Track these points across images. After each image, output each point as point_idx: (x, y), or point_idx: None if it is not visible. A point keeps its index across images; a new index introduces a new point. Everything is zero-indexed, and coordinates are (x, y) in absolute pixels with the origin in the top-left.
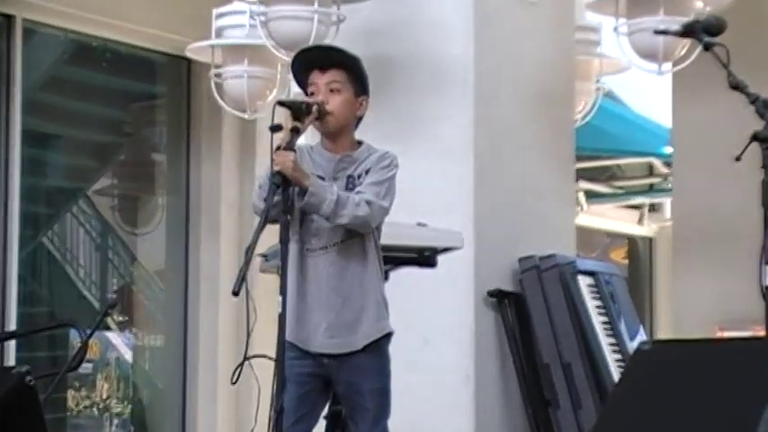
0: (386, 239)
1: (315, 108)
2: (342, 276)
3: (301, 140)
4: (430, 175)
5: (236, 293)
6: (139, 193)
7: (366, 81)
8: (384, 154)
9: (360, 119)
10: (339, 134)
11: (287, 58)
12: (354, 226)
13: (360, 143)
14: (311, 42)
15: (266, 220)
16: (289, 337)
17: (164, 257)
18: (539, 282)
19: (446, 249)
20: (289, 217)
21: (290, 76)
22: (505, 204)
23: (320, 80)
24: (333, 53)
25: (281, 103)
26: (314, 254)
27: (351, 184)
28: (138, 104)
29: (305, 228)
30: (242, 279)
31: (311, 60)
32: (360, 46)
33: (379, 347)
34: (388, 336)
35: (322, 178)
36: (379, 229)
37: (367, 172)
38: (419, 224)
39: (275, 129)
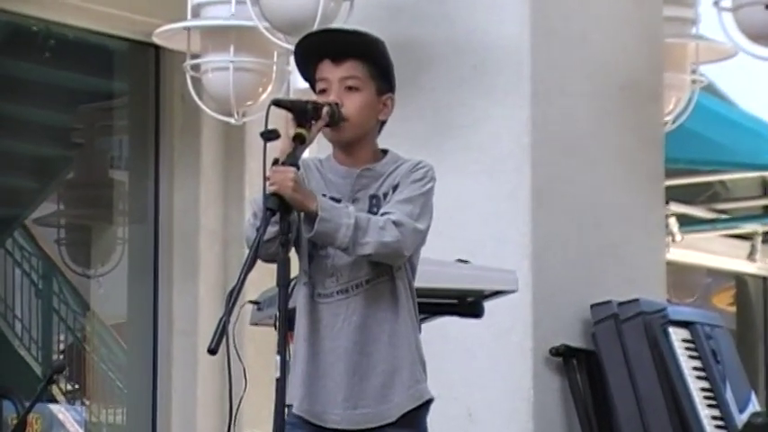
0: (418, 282)
1: (326, 110)
2: (367, 328)
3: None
4: (473, 196)
5: (212, 351)
6: (93, 221)
7: (392, 74)
8: (417, 164)
9: (383, 123)
10: (357, 144)
11: (285, 44)
12: (382, 257)
13: (384, 153)
14: (317, 24)
15: (256, 255)
16: (298, 409)
17: (125, 306)
18: (618, 336)
19: (495, 294)
20: (289, 252)
21: (291, 67)
22: (573, 234)
23: (333, 74)
24: (350, 38)
25: (277, 104)
26: (329, 300)
27: (375, 207)
28: (92, 106)
29: (316, 266)
30: (221, 332)
31: (321, 48)
32: (380, 28)
33: (416, 420)
34: (428, 404)
35: (338, 201)
36: (413, 264)
37: (395, 188)
38: (459, 261)
39: (269, 136)
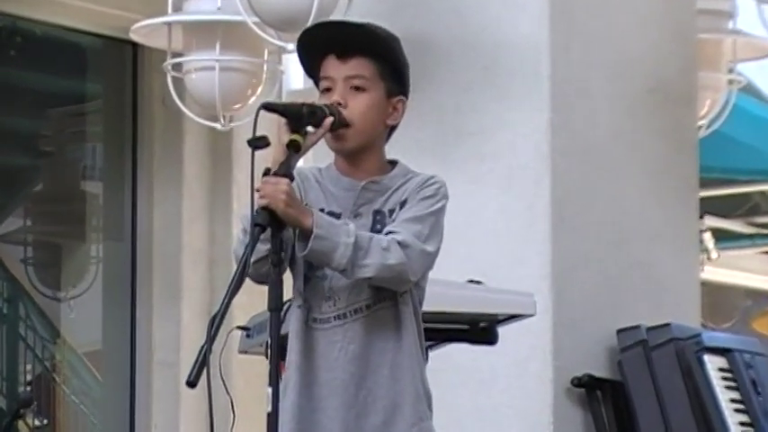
0: (424, 305)
1: (329, 121)
2: (366, 358)
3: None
4: (486, 210)
5: (191, 384)
6: (64, 239)
7: (406, 74)
8: (428, 179)
9: (393, 129)
10: (363, 152)
11: (277, 41)
12: (384, 281)
13: (393, 164)
14: (311, 18)
15: (242, 276)
16: None
17: (100, 333)
18: (647, 364)
19: (511, 318)
20: (283, 273)
21: (283, 67)
22: (597, 252)
23: (338, 72)
24: (358, 32)
25: (268, 108)
26: (326, 326)
27: (379, 224)
28: (62, 110)
29: (312, 287)
30: (202, 362)
31: (326, 42)
32: (381, 24)
33: None
34: None
35: (338, 215)
36: (420, 288)
37: (403, 205)
38: (471, 282)
39: (257, 144)
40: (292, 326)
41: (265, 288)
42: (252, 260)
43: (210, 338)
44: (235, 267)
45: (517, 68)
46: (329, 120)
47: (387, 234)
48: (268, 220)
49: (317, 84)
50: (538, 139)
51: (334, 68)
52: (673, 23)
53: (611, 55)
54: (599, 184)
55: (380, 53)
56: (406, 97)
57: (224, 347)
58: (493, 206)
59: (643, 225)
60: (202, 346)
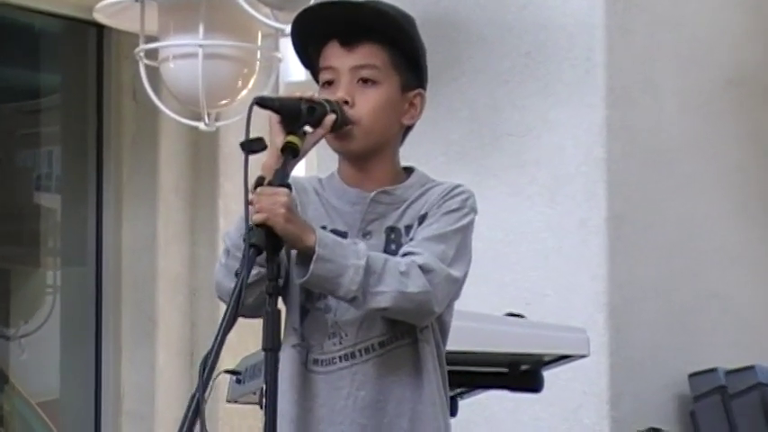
0: (453, 343)
1: (330, 119)
2: (381, 408)
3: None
4: (529, 228)
5: None
6: (14, 263)
7: (424, 63)
8: (452, 189)
9: (408, 129)
10: (372, 157)
11: (273, 22)
12: (403, 312)
13: (409, 171)
14: None
15: (237, 309)
16: None
17: (57, 379)
18: (726, 415)
19: (559, 359)
20: (278, 304)
21: (280, 55)
22: (663, 279)
23: (343, 62)
24: (366, 13)
25: (262, 104)
26: (329, 368)
27: (394, 243)
28: (11, 106)
29: (312, 322)
30: (194, 415)
31: (327, 26)
32: (402, 4)
33: None
34: None
35: (343, 234)
36: (443, 322)
37: (422, 220)
38: (511, 315)
39: (252, 147)
40: (285, 370)
41: (258, 323)
42: (234, 286)
43: (204, 384)
44: (216, 298)
45: (565, 55)
46: (330, 118)
47: (404, 255)
48: (263, 241)
49: (315, 76)
50: (591, 142)
51: (338, 57)
52: (756, 2)
53: (681, 41)
54: (665, 197)
55: (393, 38)
56: (425, 90)
57: (209, 395)
58: (537, 222)
59: (719, 247)
60: (193, 394)
